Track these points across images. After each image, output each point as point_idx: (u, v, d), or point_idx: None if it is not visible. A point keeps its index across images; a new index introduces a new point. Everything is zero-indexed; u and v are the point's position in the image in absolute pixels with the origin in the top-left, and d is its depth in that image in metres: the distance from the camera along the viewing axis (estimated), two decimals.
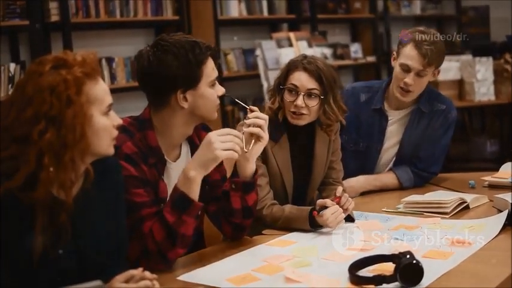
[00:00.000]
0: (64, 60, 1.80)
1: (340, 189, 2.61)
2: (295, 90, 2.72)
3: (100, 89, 1.84)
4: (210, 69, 2.26)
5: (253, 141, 2.32)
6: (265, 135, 2.33)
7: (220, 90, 2.30)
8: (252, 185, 2.37)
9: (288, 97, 2.73)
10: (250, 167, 2.36)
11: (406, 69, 3.10)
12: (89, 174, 1.87)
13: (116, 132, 1.89)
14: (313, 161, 2.86)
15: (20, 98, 1.76)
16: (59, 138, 1.74)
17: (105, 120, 1.85)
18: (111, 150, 1.90)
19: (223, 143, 2.15)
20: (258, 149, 2.35)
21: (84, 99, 1.78)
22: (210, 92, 2.26)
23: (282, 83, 2.77)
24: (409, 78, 3.10)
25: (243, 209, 2.37)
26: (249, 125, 2.32)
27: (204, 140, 2.17)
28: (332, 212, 2.51)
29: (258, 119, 2.33)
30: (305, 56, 2.78)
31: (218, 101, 2.30)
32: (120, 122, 1.90)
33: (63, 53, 1.84)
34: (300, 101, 2.69)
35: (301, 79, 2.71)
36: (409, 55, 3.10)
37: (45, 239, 1.78)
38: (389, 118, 3.25)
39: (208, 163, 2.16)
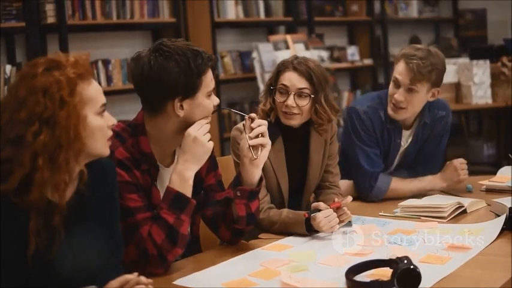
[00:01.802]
0: (57, 62, 1.80)
1: (349, 199, 2.61)
2: (285, 90, 2.71)
3: (93, 89, 1.85)
4: (209, 79, 2.25)
5: (260, 148, 2.33)
6: (269, 140, 2.35)
7: (215, 100, 2.30)
8: (257, 192, 2.37)
9: (279, 98, 2.73)
10: (258, 173, 2.36)
11: (397, 83, 3.06)
12: (83, 176, 1.87)
13: (110, 133, 1.90)
14: (309, 164, 2.85)
15: (14, 100, 1.76)
16: (53, 139, 1.74)
17: (99, 120, 1.85)
18: (106, 151, 1.91)
19: (205, 135, 2.21)
20: (264, 154, 2.35)
21: (78, 99, 1.78)
22: (206, 102, 2.25)
23: (273, 84, 2.77)
24: (398, 94, 3.04)
25: (247, 216, 2.37)
26: (253, 136, 2.33)
27: (188, 139, 2.19)
28: (325, 216, 2.49)
29: (259, 126, 2.33)
30: (296, 57, 2.78)
31: (212, 111, 2.30)
32: (115, 121, 1.91)
33: (56, 54, 1.84)
34: (290, 101, 2.69)
35: (292, 79, 2.71)
36: (398, 70, 3.05)
37: (39, 241, 1.77)
38: (402, 136, 3.19)
39: (202, 158, 2.22)
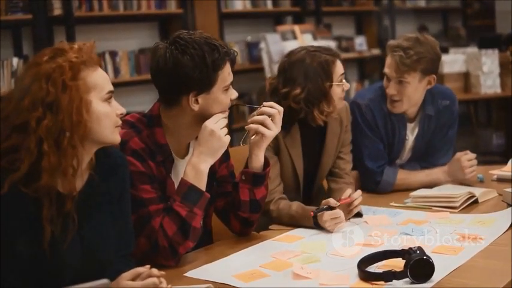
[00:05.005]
0: (61, 49, 1.81)
1: (359, 195, 2.58)
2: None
3: (98, 76, 1.84)
4: (226, 74, 2.21)
5: (253, 135, 2.32)
6: (266, 131, 2.30)
7: (233, 94, 2.27)
8: (262, 178, 2.35)
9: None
10: (254, 159, 2.34)
11: (387, 77, 3.03)
12: (93, 165, 1.87)
13: (119, 121, 1.89)
14: (324, 150, 2.85)
15: (19, 88, 1.77)
16: (57, 123, 1.74)
17: (105, 106, 1.84)
18: (116, 138, 1.90)
19: (222, 129, 2.18)
20: (259, 143, 2.32)
21: (81, 83, 1.78)
22: (222, 97, 2.22)
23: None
24: (390, 88, 3.01)
25: (251, 202, 2.35)
26: (250, 121, 2.33)
27: (205, 132, 2.17)
28: (332, 217, 2.47)
29: (262, 114, 2.31)
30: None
31: (229, 105, 2.27)
32: (123, 111, 1.90)
33: (61, 43, 1.85)
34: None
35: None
36: (387, 63, 3.02)
37: (54, 228, 1.77)
38: (407, 128, 3.16)
39: (218, 152, 2.20)
